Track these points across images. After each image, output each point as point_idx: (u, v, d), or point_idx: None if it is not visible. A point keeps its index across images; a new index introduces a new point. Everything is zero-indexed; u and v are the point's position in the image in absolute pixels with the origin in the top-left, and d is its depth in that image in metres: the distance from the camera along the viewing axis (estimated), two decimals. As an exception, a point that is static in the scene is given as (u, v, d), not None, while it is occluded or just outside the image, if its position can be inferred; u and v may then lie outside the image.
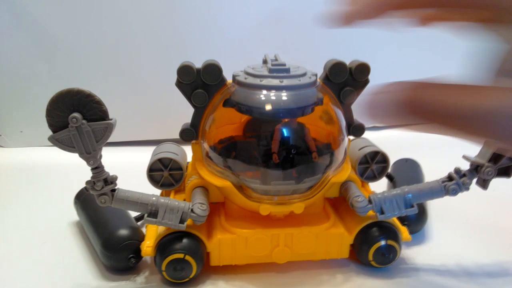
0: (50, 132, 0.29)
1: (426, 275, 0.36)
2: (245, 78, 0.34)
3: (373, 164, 0.39)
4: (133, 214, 0.39)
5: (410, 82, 0.18)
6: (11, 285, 0.35)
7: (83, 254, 0.39)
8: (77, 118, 0.28)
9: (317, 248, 0.36)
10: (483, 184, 0.35)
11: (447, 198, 0.35)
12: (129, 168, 0.42)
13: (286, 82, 0.33)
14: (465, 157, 0.35)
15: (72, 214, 0.43)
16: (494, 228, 0.43)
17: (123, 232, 0.36)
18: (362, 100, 0.19)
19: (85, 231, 0.40)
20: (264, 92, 0.33)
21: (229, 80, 0.36)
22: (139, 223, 0.40)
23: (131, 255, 0.35)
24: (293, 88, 0.34)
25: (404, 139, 0.61)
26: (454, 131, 0.17)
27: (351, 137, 0.39)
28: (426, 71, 0.28)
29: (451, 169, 0.35)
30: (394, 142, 0.55)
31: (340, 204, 0.39)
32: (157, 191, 0.38)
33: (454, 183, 0.34)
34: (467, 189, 0.35)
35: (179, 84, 0.35)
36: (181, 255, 0.33)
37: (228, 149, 0.37)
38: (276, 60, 0.35)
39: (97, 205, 0.32)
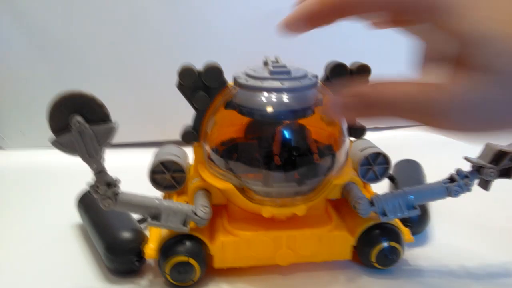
0: (51, 134, 0.29)
1: (429, 277, 0.36)
2: (246, 80, 0.34)
3: (375, 165, 0.39)
4: (135, 216, 0.39)
5: (352, 89, 0.24)
6: (14, 289, 0.35)
7: (86, 257, 0.39)
8: (79, 121, 0.28)
9: (319, 250, 0.36)
10: (485, 185, 0.35)
11: (449, 199, 0.35)
12: (130, 169, 0.41)
13: (287, 84, 0.33)
14: (466, 159, 0.35)
15: (75, 217, 0.43)
16: (497, 229, 0.43)
17: (127, 235, 0.36)
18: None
19: (88, 234, 0.40)
20: (265, 94, 0.34)
21: (230, 81, 0.36)
22: (141, 225, 0.40)
23: (134, 258, 0.35)
24: (294, 90, 0.34)
25: (405, 140, 0.61)
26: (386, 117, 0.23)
27: (352, 139, 0.39)
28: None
29: (452, 170, 0.35)
30: (396, 143, 0.55)
31: (342, 205, 0.39)
32: (158, 193, 0.38)
33: (456, 184, 0.34)
34: (469, 190, 0.35)
35: (180, 87, 0.35)
36: (185, 258, 0.33)
37: (229, 151, 0.37)
38: (276, 62, 0.36)
39: (99, 208, 0.32)
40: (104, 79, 0.63)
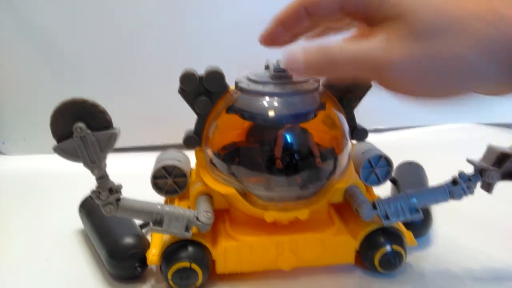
0: (53, 140, 0.29)
1: (432, 280, 0.36)
2: (248, 85, 0.34)
3: (377, 168, 0.39)
4: (137, 221, 0.39)
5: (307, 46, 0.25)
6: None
7: (88, 262, 0.39)
8: (81, 128, 0.28)
9: (322, 254, 0.36)
10: (488, 187, 0.35)
11: (451, 202, 0.35)
12: (131, 173, 0.41)
13: (288, 88, 0.33)
14: (469, 161, 0.35)
15: (77, 222, 0.43)
16: (500, 231, 0.43)
17: (129, 240, 0.36)
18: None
19: (90, 240, 0.40)
20: (267, 98, 0.34)
21: (232, 86, 0.36)
22: (143, 230, 0.40)
23: (137, 264, 0.35)
24: (296, 94, 0.34)
25: (407, 142, 0.61)
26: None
27: (354, 141, 0.39)
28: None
29: (454, 173, 0.35)
30: (397, 145, 0.55)
31: (345, 209, 0.38)
32: (160, 198, 0.38)
33: (459, 187, 0.34)
34: (472, 192, 0.35)
35: (182, 91, 0.35)
36: (187, 264, 0.33)
37: (231, 156, 0.37)
38: (278, 65, 0.36)
39: (102, 214, 0.32)
40: (106, 85, 0.64)
